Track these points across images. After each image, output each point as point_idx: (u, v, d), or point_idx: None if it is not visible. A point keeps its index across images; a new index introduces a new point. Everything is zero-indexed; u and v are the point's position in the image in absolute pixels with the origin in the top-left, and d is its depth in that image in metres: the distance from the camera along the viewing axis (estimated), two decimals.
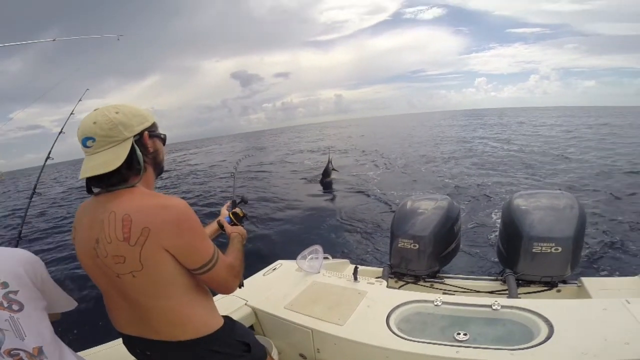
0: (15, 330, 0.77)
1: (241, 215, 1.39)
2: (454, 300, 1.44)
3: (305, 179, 11.48)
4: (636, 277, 1.75)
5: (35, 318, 0.82)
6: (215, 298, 1.16)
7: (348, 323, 1.40)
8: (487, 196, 6.99)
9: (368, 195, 8.04)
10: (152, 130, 0.96)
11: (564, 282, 1.85)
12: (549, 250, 1.75)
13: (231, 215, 1.36)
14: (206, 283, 0.95)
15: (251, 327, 1.70)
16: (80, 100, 3.21)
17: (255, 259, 3.07)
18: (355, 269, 1.79)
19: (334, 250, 4.48)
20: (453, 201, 2.21)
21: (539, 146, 14.89)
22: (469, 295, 1.94)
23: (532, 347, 1.10)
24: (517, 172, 9.56)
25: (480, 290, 1.97)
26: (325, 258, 2.08)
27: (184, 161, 26.17)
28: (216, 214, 1.41)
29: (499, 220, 2.17)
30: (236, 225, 1.33)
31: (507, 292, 1.81)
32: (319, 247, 2.04)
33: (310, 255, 2.02)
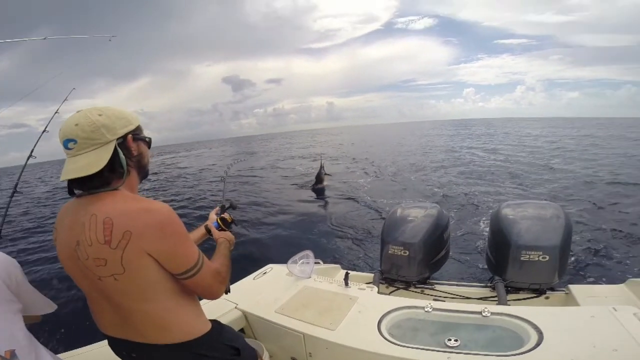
0: None
1: (229, 220, 1.36)
2: (444, 307, 1.44)
3: (297, 184, 11.49)
4: (622, 284, 1.80)
5: (7, 321, 0.80)
6: (204, 301, 1.14)
7: (340, 328, 1.39)
8: (475, 205, 7.11)
9: (359, 202, 8.08)
10: (136, 133, 0.94)
11: (552, 289, 1.88)
12: (536, 259, 1.78)
13: (219, 221, 1.34)
14: (191, 288, 0.93)
15: (242, 330, 1.68)
16: (65, 99, 3.15)
17: (246, 263, 3.04)
18: (347, 275, 1.78)
19: (325, 255, 4.47)
20: (442, 209, 2.24)
21: (524, 156, 15.29)
22: (459, 301, 1.95)
23: (521, 353, 1.10)
24: (503, 181, 9.77)
25: (470, 296, 1.99)
26: (317, 263, 2.07)
27: (173, 164, 25.86)
28: (206, 218, 1.40)
29: (488, 229, 2.20)
30: (224, 230, 1.31)
31: (496, 298, 1.83)
32: (310, 252, 2.03)
33: (302, 260, 2.00)
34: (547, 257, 1.77)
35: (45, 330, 2.96)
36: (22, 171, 2.81)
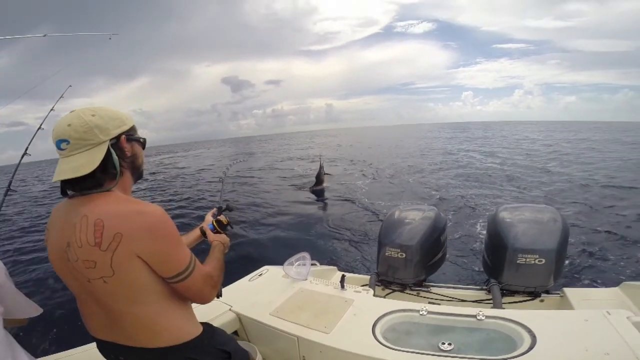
0: None
1: (225, 223, 1.35)
2: (439, 310, 1.44)
3: (295, 185, 11.48)
4: (616, 287, 1.81)
5: None
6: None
7: (334, 331, 1.39)
8: (472, 207, 7.13)
9: (356, 204, 8.07)
10: (130, 133, 0.94)
11: (547, 292, 1.89)
12: (532, 262, 1.79)
13: (214, 223, 1.32)
14: (181, 292, 0.91)
15: (235, 332, 1.67)
16: (62, 96, 3.14)
17: (241, 264, 3.03)
18: (343, 277, 1.78)
19: (322, 257, 4.47)
20: (440, 212, 2.24)
21: (521, 159, 15.37)
22: (454, 304, 1.96)
23: (515, 357, 1.11)
24: (500, 184, 9.80)
25: (466, 299, 1.99)
26: (313, 265, 2.06)
27: (171, 164, 25.81)
28: (204, 218, 1.39)
29: (484, 232, 2.21)
30: (219, 233, 1.30)
31: (491, 301, 1.83)
32: (306, 254, 2.02)
33: (298, 262, 2.00)
34: (543, 261, 1.78)
35: (37, 330, 2.93)
36: (15, 169, 2.80)
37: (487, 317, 1.32)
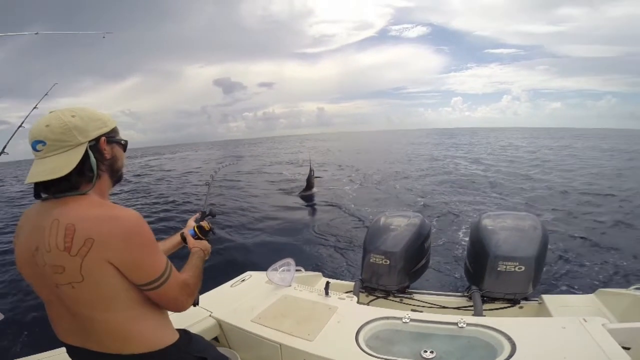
0: None
1: (207, 229, 1.32)
2: (421, 318, 1.46)
3: (283, 189, 11.43)
4: (592, 294, 1.86)
5: None
6: None
7: (318, 339, 1.38)
8: (455, 214, 7.24)
9: (343, 210, 8.08)
10: (111, 135, 0.92)
11: (526, 299, 1.93)
12: (512, 269, 1.82)
13: (196, 229, 1.29)
14: (155, 300, 0.89)
15: (215, 339, 1.64)
16: (46, 94, 3.05)
17: (224, 269, 3.00)
18: (327, 284, 1.78)
19: (307, 262, 4.45)
20: (425, 219, 2.27)
21: (505, 166, 15.76)
22: (436, 311, 1.97)
23: None
24: (483, 190, 10.01)
25: (448, 305, 2.02)
26: (298, 270, 2.05)
27: (157, 166, 25.36)
28: (187, 222, 1.36)
29: (467, 239, 2.24)
30: (200, 239, 1.27)
31: (472, 308, 1.86)
32: (291, 260, 2.01)
33: (282, 268, 1.98)
34: (523, 268, 1.81)
35: (8, 333, 2.82)
36: None
37: (468, 324, 1.34)
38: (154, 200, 10.10)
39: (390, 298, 2.13)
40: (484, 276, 1.91)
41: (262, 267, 2.07)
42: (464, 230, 5.95)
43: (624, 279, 3.97)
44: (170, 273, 0.89)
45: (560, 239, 5.33)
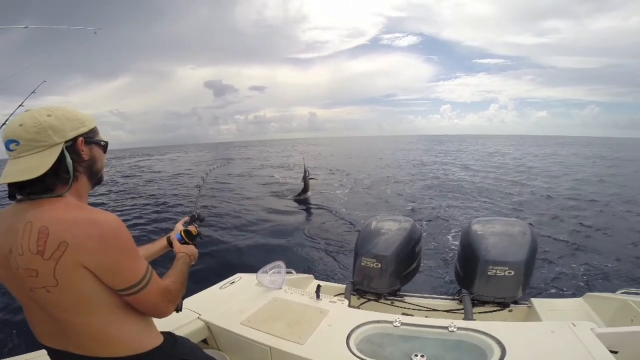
0: None
1: (194, 233, 1.29)
2: (412, 322, 1.45)
3: (274, 192, 11.40)
4: (580, 298, 1.89)
5: None
6: None
7: (308, 342, 1.36)
8: (444, 219, 7.34)
9: (335, 214, 8.11)
10: (89, 136, 0.89)
11: (516, 302, 1.94)
12: (502, 274, 1.84)
13: (182, 233, 1.26)
14: (134, 305, 0.87)
15: (204, 341, 1.61)
16: (33, 92, 2.97)
17: (214, 272, 2.96)
18: (318, 287, 1.76)
19: (299, 265, 4.43)
20: (415, 223, 2.28)
21: (492, 171, 16.07)
22: (427, 314, 1.98)
23: None
24: (472, 195, 10.19)
25: (438, 309, 2.02)
26: (289, 273, 2.03)
27: (148, 167, 24.98)
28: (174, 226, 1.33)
29: (457, 243, 2.26)
30: (187, 244, 1.24)
31: (463, 311, 1.87)
32: (281, 263, 1.99)
33: (272, 270, 1.96)
34: (513, 272, 1.83)
35: None
36: None
37: (458, 328, 1.34)
38: (144, 202, 9.95)
39: (382, 301, 2.13)
40: (474, 280, 1.92)
41: (254, 269, 2.05)
42: (453, 234, 6.03)
43: (609, 282, 4.09)
44: (150, 279, 0.86)
45: (546, 242, 5.45)
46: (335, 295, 1.83)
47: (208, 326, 1.60)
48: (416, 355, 1.23)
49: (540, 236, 5.60)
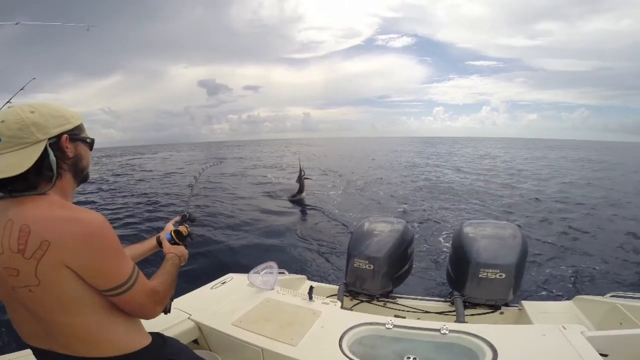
0: None
1: (185, 234, 1.27)
2: (404, 324, 1.46)
3: (267, 192, 11.35)
4: (570, 301, 1.92)
5: None
6: None
7: (301, 344, 1.35)
8: (436, 221, 7.40)
9: (327, 215, 8.11)
10: (74, 133, 0.87)
11: (507, 305, 1.96)
12: (493, 276, 1.85)
13: (172, 233, 1.24)
14: (120, 306, 0.85)
15: (195, 341, 1.60)
16: (22, 89, 2.91)
17: (205, 272, 2.92)
18: (311, 289, 1.75)
19: (291, 265, 4.42)
20: (408, 225, 2.29)
21: (483, 174, 16.27)
22: (419, 316, 1.98)
23: None
24: (463, 198, 10.27)
25: (430, 310, 2.03)
26: (281, 273, 2.02)
27: (139, 165, 24.65)
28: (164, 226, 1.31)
29: (448, 245, 2.27)
30: (177, 244, 1.22)
31: (454, 313, 1.88)
32: (273, 263, 1.98)
33: (264, 271, 1.95)
34: (504, 275, 1.85)
35: None
36: None
37: (450, 331, 1.35)
38: (136, 200, 9.84)
39: (374, 302, 2.13)
40: (465, 282, 1.93)
41: (246, 269, 2.03)
42: (445, 236, 6.08)
43: (597, 284, 4.17)
44: (136, 279, 0.84)
45: (535, 245, 5.53)
46: (327, 297, 1.82)
47: (199, 326, 1.58)
48: (408, 358, 1.23)
49: (529, 239, 5.70)
